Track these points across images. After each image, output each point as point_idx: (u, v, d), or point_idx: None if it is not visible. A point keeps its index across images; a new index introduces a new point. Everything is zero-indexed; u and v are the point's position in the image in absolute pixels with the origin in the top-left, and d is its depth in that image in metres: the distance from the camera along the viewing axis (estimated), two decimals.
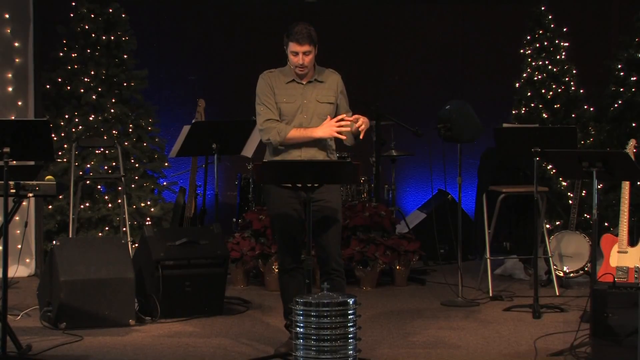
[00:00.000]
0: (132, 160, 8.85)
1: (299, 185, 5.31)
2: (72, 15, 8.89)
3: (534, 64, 9.11)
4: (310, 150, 5.60)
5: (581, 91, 9.10)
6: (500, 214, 7.69)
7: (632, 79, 8.84)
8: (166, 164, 9.12)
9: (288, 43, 5.57)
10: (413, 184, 10.59)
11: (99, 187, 8.76)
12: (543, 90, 9.05)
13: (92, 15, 8.83)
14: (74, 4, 8.89)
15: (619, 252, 6.70)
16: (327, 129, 5.51)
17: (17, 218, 7.79)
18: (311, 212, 5.34)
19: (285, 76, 5.67)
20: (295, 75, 5.65)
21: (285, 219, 5.58)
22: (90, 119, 8.75)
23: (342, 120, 5.50)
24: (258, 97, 5.68)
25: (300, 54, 5.54)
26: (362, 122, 5.49)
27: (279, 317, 6.59)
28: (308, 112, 5.60)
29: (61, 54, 8.84)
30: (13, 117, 8.03)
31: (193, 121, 7.48)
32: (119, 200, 8.49)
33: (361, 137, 5.54)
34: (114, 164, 8.68)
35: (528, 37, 9.16)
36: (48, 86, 8.78)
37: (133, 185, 8.80)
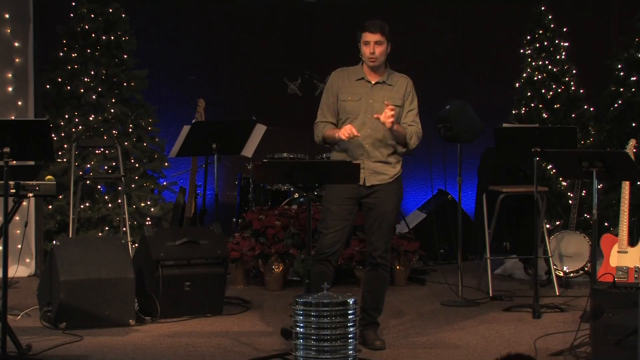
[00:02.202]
0: (132, 160, 8.85)
1: (300, 185, 5.33)
2: (72, 15, 8.88)
3: (534, 64, 9.10)
4: (375, 151, 5.71)
5: (581, 91, 9.09)
6: (500, 214, 7.69)
7: (632, 79, 8.83)
8: (166, 164, 9.12)
9: (361, 35, 5.70)
10: (413, 184, 10.59)
11: (99, 187, 8.76)
12: (543, 90, 9.05)
13: (92, 15, 8.82)
14: (74, 4, 8.88)
15: (619, 252, 6.69)
16: (341, 131, 5.62)
17: (17, 218, 7.79)
18: (369, 204, 5.64)
19: (356, 74, 5.77)
20: (366, 74, 5.72)
21: (333, 212, 5.68)
22: (90, 119, 8.75)
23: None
24: (322, 96, 5.83)
25: (371, 43, 5.66)
26: (385, 117, 5.53)
27: (279, 317, 6.59)
28: (373, 112, 5.64)
29: (61, 54, 8.84)
30: (13, 117, 8.03)
31: (193, 121, 7.47)
32: (119, 200, 8.48)
33: (387, 126, 5.55)
34: (114, 164, 8.67)
35: (528, 37, 9.15)
36: (48, 86, 8.77)
37: (133, 185, 8.80)
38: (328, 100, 5.77)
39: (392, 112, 5.53)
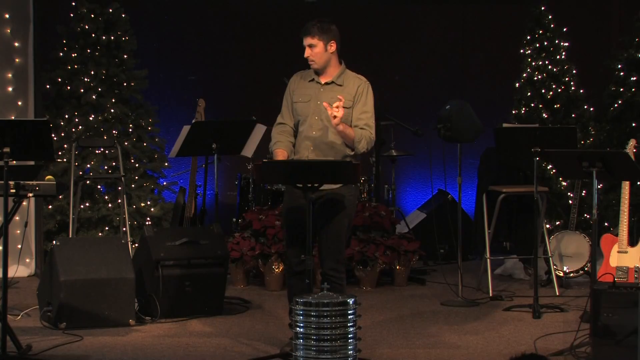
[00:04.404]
0: (132, 160, 8.86)
1: (299, 185, 5.31)
2: (72, 15, 8.89)
3: (534, 64, 9.11)
4: (320, 155, 5.56)
5: (581, 91, 9.09)
6: (500, 214, 7.68)
7: (632, 79, 8.84)
8: (166, 164, 9.13)
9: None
10: (413, 184, 10.59)
11: (99, 187, 8.77)
12: (543, 90, 9.05)
13: (92, 15, 8.83)
14: (74, 4, 8.89)
15: (619, 252, 6.69)
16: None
17: (17, 218, 7.79)
18: (313, 213, 5.31)
19: (309, 75, 5.70)
20: (316, 75, 5.65)
21: (293, 219, 5.55)
22: (90, 119, 8.75)
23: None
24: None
25: (306, 47, 5.59)
26: (330, 112, 5.34)
27: (279, 317, 6.60)
28: (321, 114, 5.54)
29: (61, 54, 8.84)
30: (13, 117, 8.03)
31: (193, 121, 7.47)
32: (119, 200, 8.49)
33: (333, 122, 5.36)
34: (114, 164, 8.68)
35: (528, 37, 9.16)
36: (48, 86, 8.78)
37: (133, 185, 8.80)
38: (287, 102, 5.72)
39: (337, 107, 5.31)
